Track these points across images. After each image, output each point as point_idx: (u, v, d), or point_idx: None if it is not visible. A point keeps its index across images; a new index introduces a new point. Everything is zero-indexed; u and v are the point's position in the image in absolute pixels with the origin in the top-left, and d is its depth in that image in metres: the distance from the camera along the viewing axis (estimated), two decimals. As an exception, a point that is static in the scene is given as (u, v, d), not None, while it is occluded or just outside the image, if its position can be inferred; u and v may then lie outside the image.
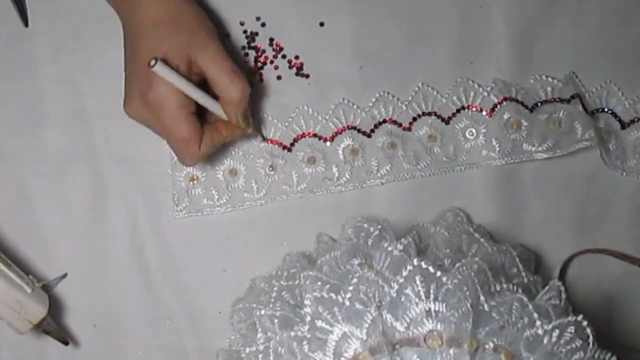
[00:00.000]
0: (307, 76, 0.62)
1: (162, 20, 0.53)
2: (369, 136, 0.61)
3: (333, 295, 0.43)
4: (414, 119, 0.61)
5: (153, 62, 0.49)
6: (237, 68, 0.53)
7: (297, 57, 0.62)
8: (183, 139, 0.52)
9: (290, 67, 0.62)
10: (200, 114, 0.54)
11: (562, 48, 0.62)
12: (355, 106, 0.61)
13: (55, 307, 0.59)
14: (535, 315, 0.42)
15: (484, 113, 0.61)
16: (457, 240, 0.56)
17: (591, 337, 0.42)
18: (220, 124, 0.55)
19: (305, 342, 0.43)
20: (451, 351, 0.41)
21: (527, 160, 0.60)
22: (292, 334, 0.43)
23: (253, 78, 0.62)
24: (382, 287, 0.43)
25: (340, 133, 0.61)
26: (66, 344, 0.58)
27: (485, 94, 0.61)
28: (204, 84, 0.54)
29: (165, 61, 0.50)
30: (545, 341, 0.41)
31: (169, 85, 0.51)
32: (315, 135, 0.61)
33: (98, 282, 0.60)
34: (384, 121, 0.61)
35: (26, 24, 0.61)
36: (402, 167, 0.60)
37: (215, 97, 0.54)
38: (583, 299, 0.60)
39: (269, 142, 0.61)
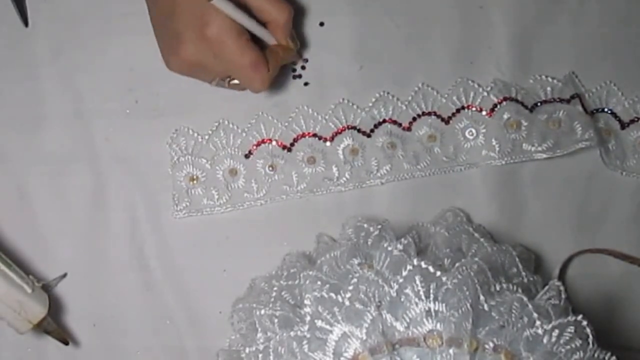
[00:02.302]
0: (307, 76, 0.62)
1: None
2: (368, 136, 0.61)
3: (333, 295, 0.43)
4: (414, 119, 0.61)
5: None
6: None
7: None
8: (252, 64, 0.53)
9: (292, 69, 0.62)
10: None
11: (562, 48, 0.62)
12: (355, 106, 0.61)
13: (55, 307, 0.59)
14: (535, 315, 0.42)
15: (484, 113, 0.61)
16: (457, 240, 0.56)
17: (591, 337, 0.42)
18: (278, 47, 0.56)
19: (305, 342, 0.43)
20: (451, 351, 0.41)
21: (527, 160, 0.60)
22: (292, 333, 0.43)
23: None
24: (382, 287, 0.43)
25: (340, 133, 0.61)
26: (66, 343, 0.58)
27: (485, 94, 0.61)
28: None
29: None
30: (545, 341, 0.41)
31: (225, 17, 0.51)
32: (315, 135, 0.61)
33: (98, 282, 0.60)
34: (384, 121, 0.61)
35: (26, 24, 0.61)
36: (402, 167, 0.60)
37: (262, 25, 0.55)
38: (583, 299, 0.60)
39: (268, 141, 0.61)
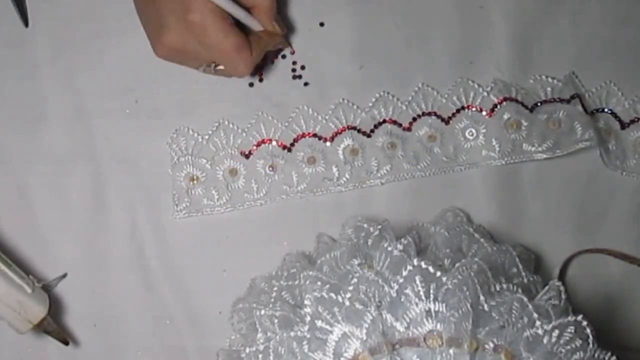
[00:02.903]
0: (307, 76, 0.62)
1: None
2: (368, 136, 0.61)
3: (333, 295, 0.43)
4: (414, 119, 0.61)
5: None
6: None
7: (297, 57, 0.62)
8: (236, 48, 0.53)
9: (292, 69, 0.62)
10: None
11: (562, 48, 0.62)
12: (355, 106, 0.61)
13: (55, 307, 0.59)
14: (535, 315, 0.42)
15: (484, 113, 0.61)
16: (457, 240, 0.56)
17: (591, 337, 0.42)
18: (263, 33, 0.56)
19: (305, 342, 0.43)
20: (451, 351, 0.41)
21: (527, 160, 0.60)
22: (292, 334, 0.43)
23: (253, 78, 0.62)
24: (382, 287, 0.43)
25: (340, 133, 0.61)
26: (66, 343, 0.58)
27: (485, 94, 0.61)
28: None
29: None
30: (545, 341, 0.41)
31: (208, 3, 0.51)
32: (315, 135, 0.61)
33: (98, 282, 0.60)
34: (384, 121, 0.61)
35: (26, 24, 0.61)
36: (402, 167, 0.60)
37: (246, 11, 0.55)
38: (583, 299, 0.60)
39: (268, 142, 0.61)
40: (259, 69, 0.62)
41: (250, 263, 0.60)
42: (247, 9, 0.55)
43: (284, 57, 0.62)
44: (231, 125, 0.61)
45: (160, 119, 0.61)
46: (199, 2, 0.51)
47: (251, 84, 0.61)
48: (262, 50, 0.56)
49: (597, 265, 0.61)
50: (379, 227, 0.51)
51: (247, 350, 0.47)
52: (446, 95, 0.61)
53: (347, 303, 0.43)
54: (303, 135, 0.61)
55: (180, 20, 0.52)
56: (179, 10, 0.52)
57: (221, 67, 0.57)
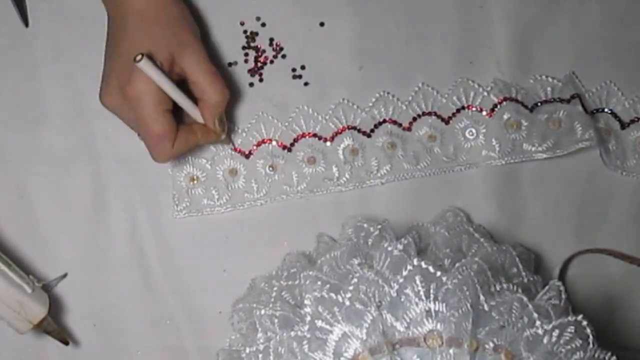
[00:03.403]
0: (307, 76, 0.62)
1: (149, 15, 0.53)
2: (369, 136, 0.61)
3: (333, 295, 0.43)
4: (414, 119, 0.61)
5: (139, 57, 0.49)
6: (218, 72, 0.54)
7: (297, 57, 0.62)
8: (157, 136, 0.52)
9: (292, 69, 0.62)
10: (176, 114, 0.54)
11: (562, 48, 0.62)
12: (355, 106, 0.61)
13: (55, 307, 0.59)
14: (535, 315, 0.42)
15: (484, 113, 0.61)
16: (457, 240, 0.56)
17: (591, 337, 0.42)
18: (196, 127, 0.56)
19: (305, 342, 0.43)
20: (451, 351, 0.41)
21: (527, 160, 0.60)
22: (292, 333, 0.43)
23: (253, 78, 0.62)
24: (382, 287, 0.43)
25: (340, 133, 0.61)
26: (66, 343, 0.58)
27: (485, 93, 0.61)
28: (182, 84, 0.54)
29: (150, 57, 0.50)
30: (545, 341, 0.41)
31: (149, 81, 0.51)
32: (315, 135, 0.61)
33: (98, 282, 0.60)
34: (384, 121, 0.61)
35: (26, 24, 0.61)
36: (402, 167, 0.60)
37: (193, 99, 0.54)
38: (583, 299, 0.60)
39: (268, 141, 0.61)
40: (259, 69, 0.62)
41: (250, 263, 0.60)
42: (195, 99, 0.54)
43: (284, 57, 0.62)
44: (231, 125, 0.61)
45: (160, 119, 0.61)
46: (140, 78, 0.50)
47: (251, 84, 0.61)
48: (190, 145, 0.55)
49: (597, 265, 0.61)
50: (379, 227, 0.51)
51: (247, 350, 0.47)
52: (446, 95, 0.61)
53: (347, 303, 0.43)
54: (303, 135, 0.61)
55: (119, 88, 0.52)
56: (123, 79, 0.51)
57: None
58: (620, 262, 0.60)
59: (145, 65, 0.49)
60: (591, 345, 0.41)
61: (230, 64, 0.62)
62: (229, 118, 0.61)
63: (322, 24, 0.62)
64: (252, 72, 0.62)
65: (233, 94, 0.61)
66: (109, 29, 0.55)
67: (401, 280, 0.43)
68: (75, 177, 0.61)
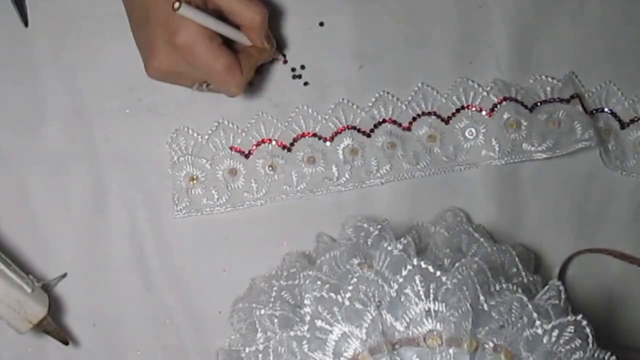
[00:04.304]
0: (307, 76, 0.62)
1: None
2: (368, 136, 0.61)
3: (333, 295, 0.43)
4: (414, 119, 0.61)
5: (177, 4, 0.49)
6: None
7: (297, 57, 0.62)
8: (226, 68, 0.53)
9: (292, 69, 0.62)
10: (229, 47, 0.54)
11: (562, 48, 0.62)
12: (355, 106, 0.61)
13: (55, 307, 0.59)
14: (535, 315, 0.42)
15: (484, 113, 0.61)
16: (456, 240, 0.56)
17: (590, 337, 0.42)
18: (250, 49, 0.56)
19: (305, 342, 0.43)
20: (451, 351, 0.41)
21: (527, 160, 0.60)
22: (292, 333, 0.43)
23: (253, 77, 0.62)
24: (381, 287, 0.43)
25: (340, 133, 0.61)
26: (66, 343, 0.58)
27: (485, 93, 0.61)
28: (221, 18, 0.54)
29: (187, 1, 0.50)
30: (544, 341, 0.41)
31: (194, 24, 0.51)
32: (315, 135, 0.61)
33: (98, 282, 0.60)
34: (384, 121, 0.61)
35: (26, 24, 0.61)
36: (401, 167, 0.60)
37: (235, 27, 0.55)
38: (583, 299, 0.60)
39: (267, 141, 0.61)
40: (259, 69, 0.62)
41: (250, 263, 0.60)
42: (236, 26, 0.55)
43: (284, 56, 0.62)
44: (231, 125, 0.61)
45: (160, 119, 0.61)
46: (185, 25, 0.51)
47: (251, 83, 0.61)
48: (253, 67, 0.56)
49: (597, 265, 0.61)
50: (379, 226, 0.51)
51: (247, 350, 0.47)
52: (446, 95, 0.61)
53: (347, 303, 0.43)
54: (303, 135, 0.61)
55: (168, 44, 0.52)
56: (167, 34, 0.51)
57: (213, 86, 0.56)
58: (620, 262, 0.60)
59: (186, 10, 0.50)
60: (591, 345, 0.41)
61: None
62: (229, 117, 0.61)
63: (322, 24, 0.62)
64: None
65: (233, 94, 0.61)
66: (133, 2, 0.55)
67: (401, 280, 0.43)
68: (75, 177, 0.61)
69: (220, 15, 0.54)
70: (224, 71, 0.53)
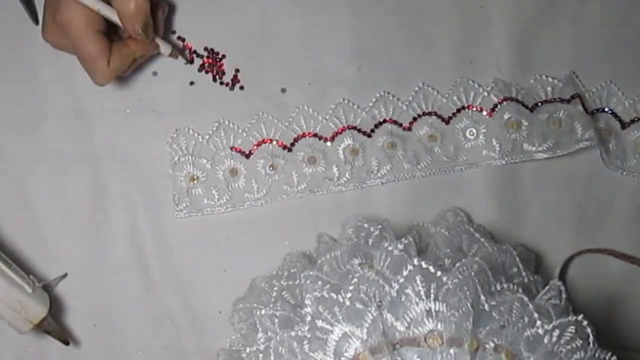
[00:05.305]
0: (307, 76, 0.62)
1: None
2: (369, 136, 0.61)
3: (333, 295, 0.43)
4: (414, 119, 0.61)
5: None
6: None
7: (296, 57, 0.62)
8: (91, 56, 0.53)
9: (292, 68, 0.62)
10: (114, 33, 0.55)
11: (562, 48, 0.62)
12: (355, 106, 0.61)
13: (55, 307, 0.59)
14: (536, 315, 0.42)
15: (484, 113, 0.61)
16: (457, 240, 0.56)
17: (591, 337, 0.42)
18: (130, 40, 0.56)
19: (305, 342, 0.43)
20: (451, 351, 0.41)
21: (528, 160, 0.60)
22: (293, 333, 0.43)
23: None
24: (382, 287, 0.43)
25: (341, 133, 0.61)
26: (67, 343, 0.58)
27: (486, 93, 0.61)
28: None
29: None
30: (545, 341, 0.41)
31: (75, 5, 0.52)
32: (315, 135, 0.61)
33: (98, 282, 0.60)
34: (384, 121, 0.61)
35: (36, 22, 0.61)
36: (402, 167, 0.60)
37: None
38: (583, 299, 0.60)
39: (268, 141, 0.61)
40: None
41: (251, 263, 0.60)
42: None
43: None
44: (232, 125, 0.61)
45: (160, 119, 0.61)
46: (69, 4, 0.52)
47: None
48: (126, 59, 0.55)
49: (597, 265, 0.61)
50: (380, 226, 0.51)
51: (248, 350, 0.47)
52: (446, 95, 0.61)
53: (348, 303, 0.43)
54: (303, 135, 0.61)
55: (53, 19, 0.53)
56: (52, 8, 0.53)
57: None
58: (621, 262, 0.60)
59: None
60: (591, 345, 0.41)
61: (230, 64, 0.62)
62: (230, 117, 0.61)
63: (322, 24, 0.62)
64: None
65: (233, 94, 0.61)
66: None
67: (401, 280, 0.43)
68: (75, 177, 0.61)
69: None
70: (90, 57, 0.53)
